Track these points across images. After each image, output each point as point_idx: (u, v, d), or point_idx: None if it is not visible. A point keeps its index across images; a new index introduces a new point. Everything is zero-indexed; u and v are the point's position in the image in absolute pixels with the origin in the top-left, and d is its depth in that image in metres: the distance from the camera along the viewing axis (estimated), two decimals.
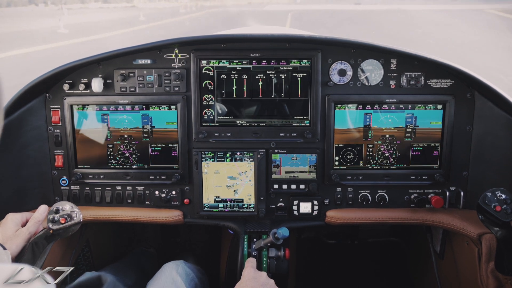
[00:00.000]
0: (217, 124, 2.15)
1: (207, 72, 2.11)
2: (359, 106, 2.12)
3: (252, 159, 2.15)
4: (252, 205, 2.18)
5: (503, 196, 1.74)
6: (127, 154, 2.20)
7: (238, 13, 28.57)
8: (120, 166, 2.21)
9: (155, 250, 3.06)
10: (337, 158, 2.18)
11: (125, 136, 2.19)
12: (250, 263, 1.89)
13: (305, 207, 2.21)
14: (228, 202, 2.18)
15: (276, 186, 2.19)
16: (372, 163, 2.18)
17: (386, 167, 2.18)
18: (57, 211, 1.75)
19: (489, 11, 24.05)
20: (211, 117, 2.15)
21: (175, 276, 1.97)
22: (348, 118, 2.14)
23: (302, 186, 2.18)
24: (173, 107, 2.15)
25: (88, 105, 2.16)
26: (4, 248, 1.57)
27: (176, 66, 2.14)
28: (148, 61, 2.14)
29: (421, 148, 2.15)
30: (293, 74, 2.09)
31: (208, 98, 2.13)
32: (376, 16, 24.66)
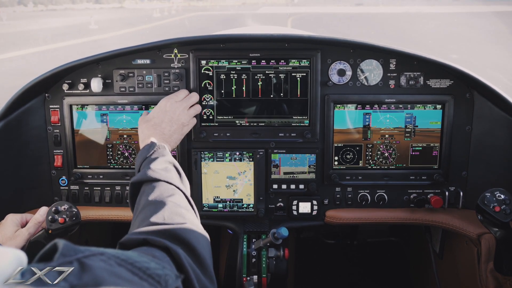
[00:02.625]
0: (217, 124, 2.15)
1: (207, 72, 2.11)
2: (359, 106, 2.12)
3: (251, 159, 2.15)
4: (251, 205, 2.18)
5: (502, 196, 1.73)
6: (126, 154, 2.20)
7: (228, 17, 25.76)
8: (120, 166, 2.21)
9: None
10: (336, 158, 2.18)
11: (125, 136, 2.19)
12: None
13: (304, 207, 2.21)
14: (228, 202, 2.18)
15: (275, 186, 2.18)
16: (371, 163, 2.18)
17: (386, 167, 2.18)
18: (56, 211, 1.75)
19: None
20: (211, 117, 2.15)
21: None
22: (347, 118, 2.14)
23: (301, 186, 2.18)
24: None
25: (87, 105, 2.16)
26: None
27: (176, 66, 2.14)
28: (147, 61, 2.14)
29: (420, 148, 2.15)
30: (293, 74, 2.09)
31: (208, 98, 2.13)
32: (397, 21, 22.40)
